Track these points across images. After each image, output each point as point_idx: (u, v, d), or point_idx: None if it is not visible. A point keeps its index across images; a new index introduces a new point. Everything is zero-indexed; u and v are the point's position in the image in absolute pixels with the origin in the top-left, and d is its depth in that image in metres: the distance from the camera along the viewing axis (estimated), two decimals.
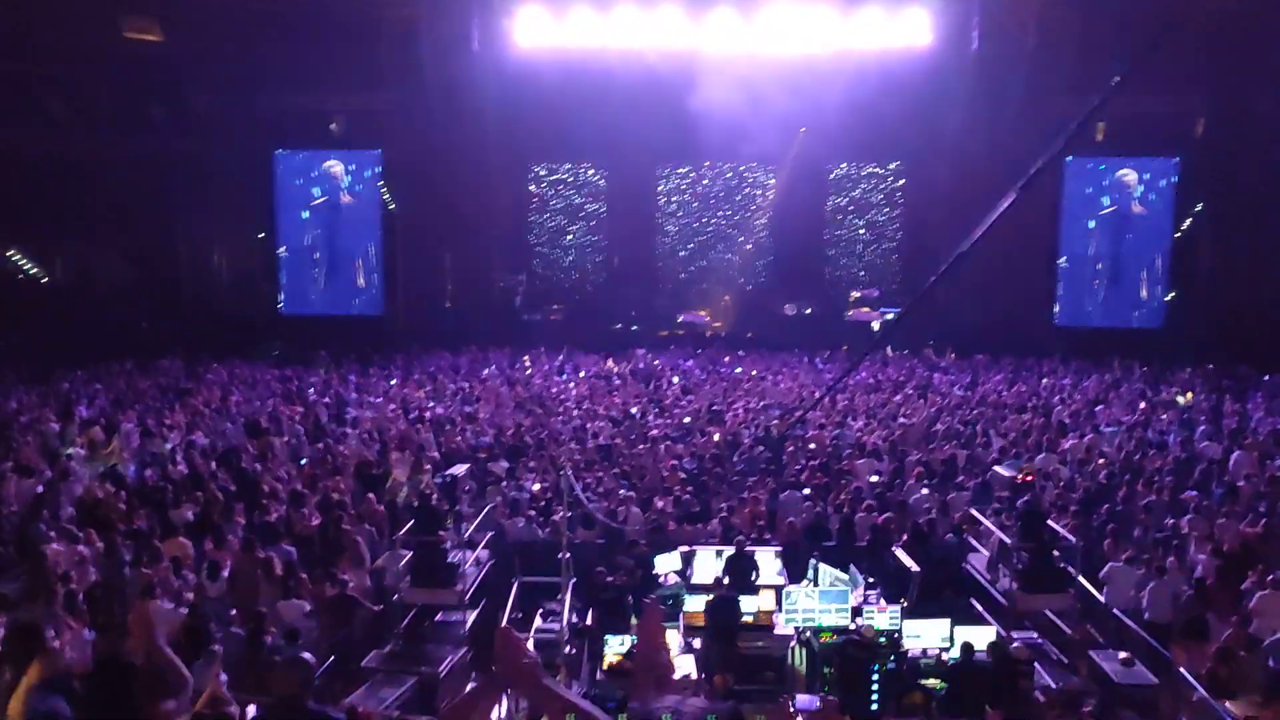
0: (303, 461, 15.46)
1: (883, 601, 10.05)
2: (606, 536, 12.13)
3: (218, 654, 7.55)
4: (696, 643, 9.67)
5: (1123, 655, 9.25)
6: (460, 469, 12.27)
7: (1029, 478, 13.70)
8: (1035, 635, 9.86)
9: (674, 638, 9.67)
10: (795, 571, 10.88)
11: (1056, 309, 30.62)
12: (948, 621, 9.51)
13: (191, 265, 32.07)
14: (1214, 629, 9.59)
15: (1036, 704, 8.32)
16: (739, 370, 25.00)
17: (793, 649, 9.72)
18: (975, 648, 8.92)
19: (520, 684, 2.84)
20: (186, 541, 11.04)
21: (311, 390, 21.61)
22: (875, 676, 8.48)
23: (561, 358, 26.33)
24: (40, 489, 12.78)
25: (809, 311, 32.00)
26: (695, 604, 10.07)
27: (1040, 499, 12.96)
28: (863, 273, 33.09)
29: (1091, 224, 30.33)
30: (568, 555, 10.02)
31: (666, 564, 11.12)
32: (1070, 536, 10.55)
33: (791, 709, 7.65)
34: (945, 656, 9.29)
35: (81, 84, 28.69)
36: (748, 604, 10.08)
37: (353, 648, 9.58)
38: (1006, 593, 10.27)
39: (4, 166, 26.63)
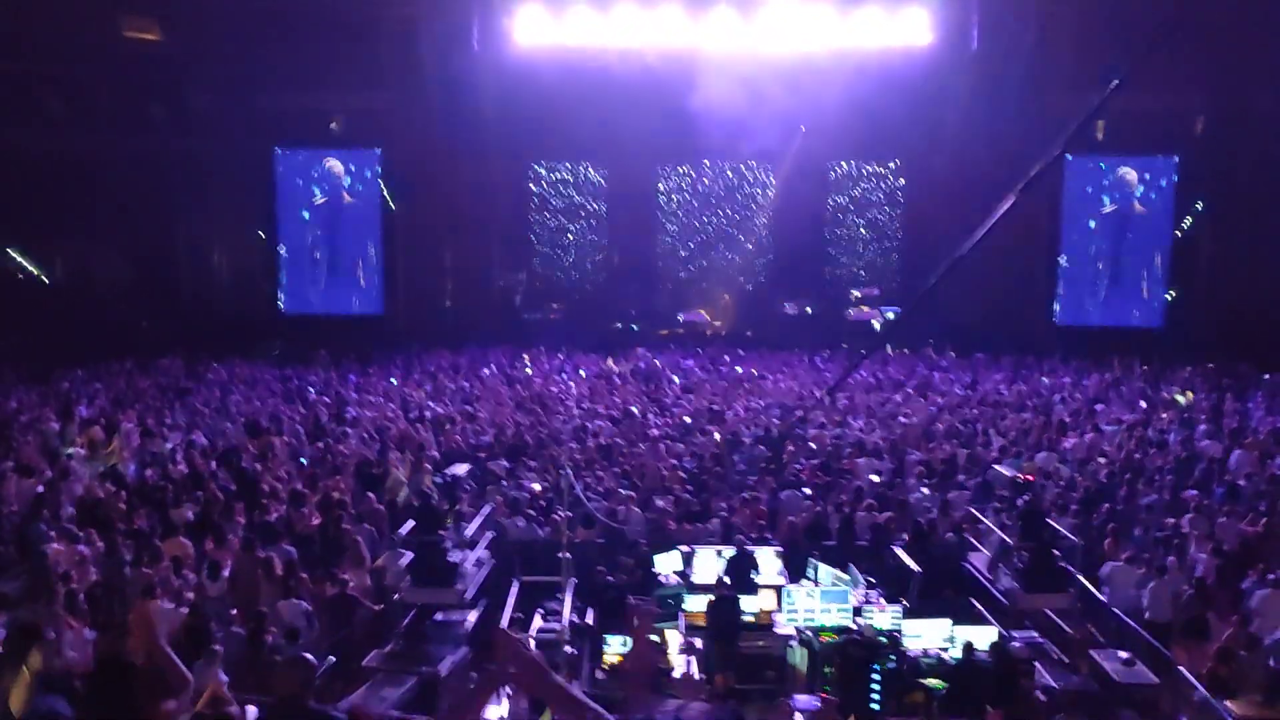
0: (303, 461, 15.45)
1: (883, 601, 10.06)
2: (607, 536, 12.12)
3: (218, 654, 7.56)
4: (697, 642, 9.67)
5: (1123, 655, 9.25)
6: (460, 468, 12.25)
7: (1029, 477, 13.71)
8: (1036, 635, 9.86)
9: (674, 637, 9.69)
10: (796, 571, 10.88)
11: (1057, 308, 30.61)
12: (948, 621, 9.52)
13: (191, 264, 32.04)
14: (1215, 628, 9.59)
15: (1037, 703, 8.32)
16: (739, 369, 25.00)
17: (793, 648, 9.72)
18: (976, 647, 8.93)
19: (528, 682, 2.84)
20: (187, 541, 11.04)
21: (311, 389, 21.62)
22: (876, 676, 8.49)
23: (561, 357, 26.33)
24: (40, 489, 12.77)
25: (809, 310, 32.00)
26: (696, 604, 10.07)
27: (1041, 498, 12.95)
28: (863, 271, 33.06)
29: (1092, 223, 30.34)
30: (568, 555, 10.02)
31: (667, 563, 11.12)
32: (1071, 536, 10.56)
33: (792, 710, 7.66)
34: (946, 656, 9.29)
35: (81, 83, 28.68)
36: (748, 603, 10.09)
37: (353, 647, 9.58)
38: (1007, 592, 10.27)
39: (4, 166, 26.60)
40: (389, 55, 28.42)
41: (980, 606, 10.64)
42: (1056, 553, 10.20)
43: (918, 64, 27.27)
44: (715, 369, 25.22)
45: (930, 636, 9.46)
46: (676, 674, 9.23)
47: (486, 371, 24.37)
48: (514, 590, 10.80)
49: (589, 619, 10.11)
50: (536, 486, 14.08)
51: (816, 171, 32.06)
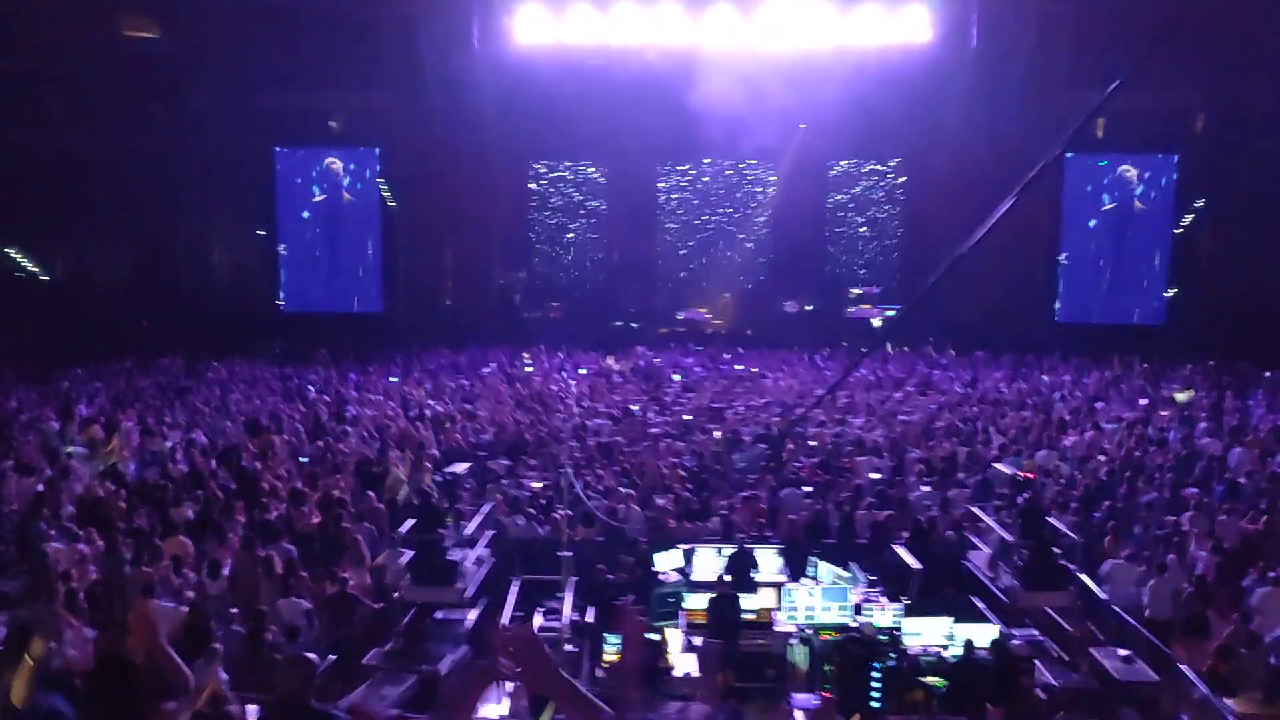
0: (303, 460, 15.45)
1: (883, 599, 10.05)
2: (607, 534, 12.12)
3: (218, 652, 7.55)
4: (697, 641, 9.67)
5: (1123, 652, 9.24)
6: (460, 467, 12.24)
7: (1029, 475, 13.69)
8: (1036, 632, 9.85)
9: (675, 636, 9.68)
10: (796, 569, 10.88)
11: (1057, 305, 30.63)
12: (948, 619, 9.51)
13: (191, 263, 32.09)
14: (1215, 626, 9.58)
15: (1037, 701, 8.32)
16: (739, 368, 25.00)
17: (793, 647, 9.71)
18: (976, 645, 8.92)
19: (536, 678, 2.84)
20: (187, 540, 11.03)
21: (311, 388, 21.62)
22: (876, 674, 8.48)
23: (561, 355, 26.33)
24: (40, 487, 12.76)
25: (809, 309, 32.01)
26: (696, 602, 10.07)
27: (1041, 496, 12.95)
28: (863, 270, 33.09)
29: (1093, 222, 30.34)
30: (568, 553, 10.00)
31: (667, 562, 11.11)
32: (1071, 533, 10.54)
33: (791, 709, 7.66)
34: (946, 654, 9.29)
35: (81, 82, 28.69)
36: (748, 602, 10.09)
37: (353, 646, 9.57)
38: (1007, 590, 10.26)
39: (4, 165, 26.62)
40: (389, 55, 28.46)
41: (980, 604, 10.64)
42: (1056, 550, 10.19)
43: (917, 62, 27.30)
44: (715, 367, 25.23)
45: (930, 634, 9.45)
46: (677, 673, 9.25)
47: (486, 370, 24.38)
48: (514, 589, 10.80)
49: (589, 617, 10.11)
50: (537, 485, 14.07)
51: (816, 170, 32.09)
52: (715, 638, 9.64)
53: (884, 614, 9.64)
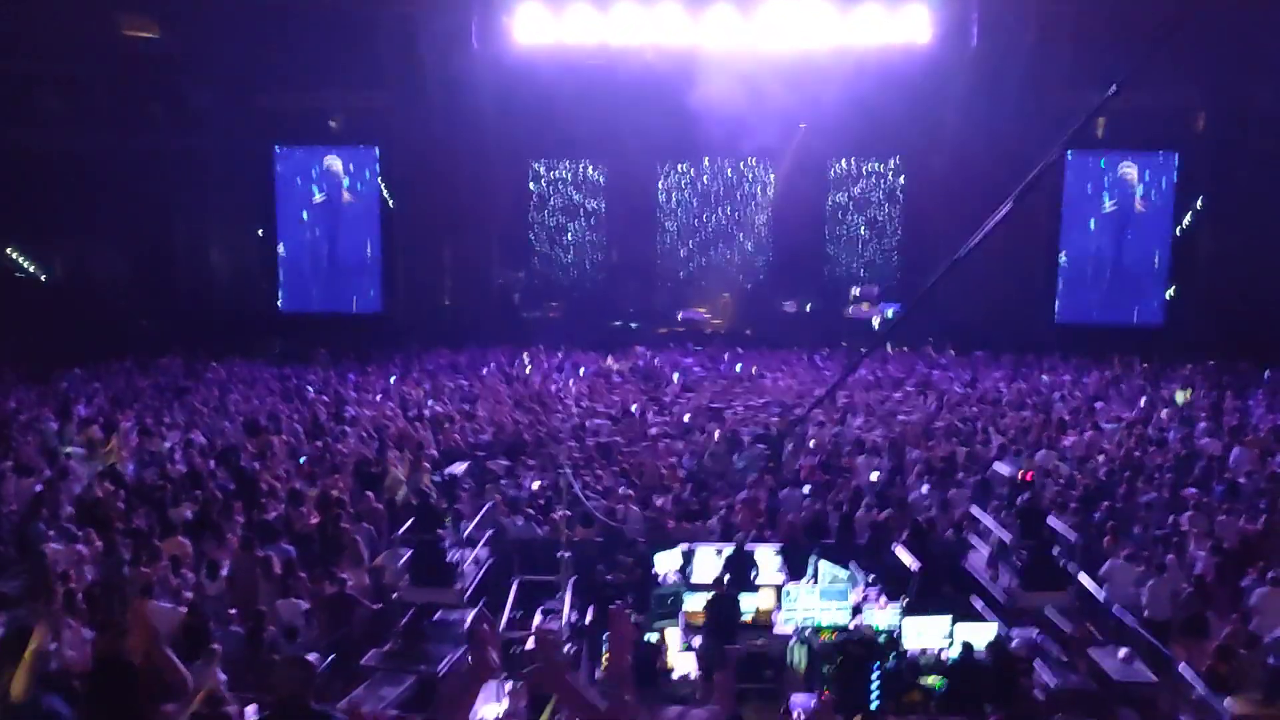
0: (301, 460, 15.44)
1: (883, 599, 10.04)
2: (606, 535, 12.11)
3: (217, 653, 7.55)
4: (696, 641, 9.67)
5: (1122, 653, 9.24)
6: (459, 467, 12.22)
7: (1029, 475, 13.66)
8: (1035, 633, 9.84)
9: (674, 636, 9.68)
10: (795, 569, 10.87)
11: (1057, 305, 30.61)
12: (948, 619, 9.50)
13: (190, 263, 32.04)
14: (1214, 626, 9.59)
15: (1036, 701, 8.32)
16: (739, 368, 24.99)
17: (792, 647, 9.70)
18: (975, 645, 8.92)
19: (547, 681, 2.84)
20: (185, 540, 11.03)
21: (310, 388, 21.60)
22: (875, 674, 8.48)
23: (561, 355, 26.32)
24: (39, 488, 12.77)
25: (809, 308, 32.00)
26: (695, 602, 10.06)
27: (1040, 496, 12.93)
28: (863, 269, 33.08)
29: (1093, 221, 30.33)
30: (567, 554, 10.00)
31: (666, 562, 11.11)
32: (1070, 534, 10.53)
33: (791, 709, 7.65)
34: (945, 654, 9.28)
35: (80, 82, 28.70)
36: (747, 602, 10.08)
37: (352, 646, 9.57)
38: (1006, 590, 10.25)
39: (3, 165, 26.60)
40: (389, 54, 28.45)
41: (979, 605, 10.63)
42: (1056, 551, 10.18)
43: (917, 62, 27.29)
44: (714, 367, 25.22)
45: (929, 635, 9.44)
46: (676, 674, 9.25)
47: (485, 370, 24.36)
48: (513, 589, 10.79)
49: (588, 618, 10.10)
50: (535, 485, 14.06)
51: (816, 169, 32.10)
52: (714, 638, 9.63)
53: (883, 614, 9.64)
